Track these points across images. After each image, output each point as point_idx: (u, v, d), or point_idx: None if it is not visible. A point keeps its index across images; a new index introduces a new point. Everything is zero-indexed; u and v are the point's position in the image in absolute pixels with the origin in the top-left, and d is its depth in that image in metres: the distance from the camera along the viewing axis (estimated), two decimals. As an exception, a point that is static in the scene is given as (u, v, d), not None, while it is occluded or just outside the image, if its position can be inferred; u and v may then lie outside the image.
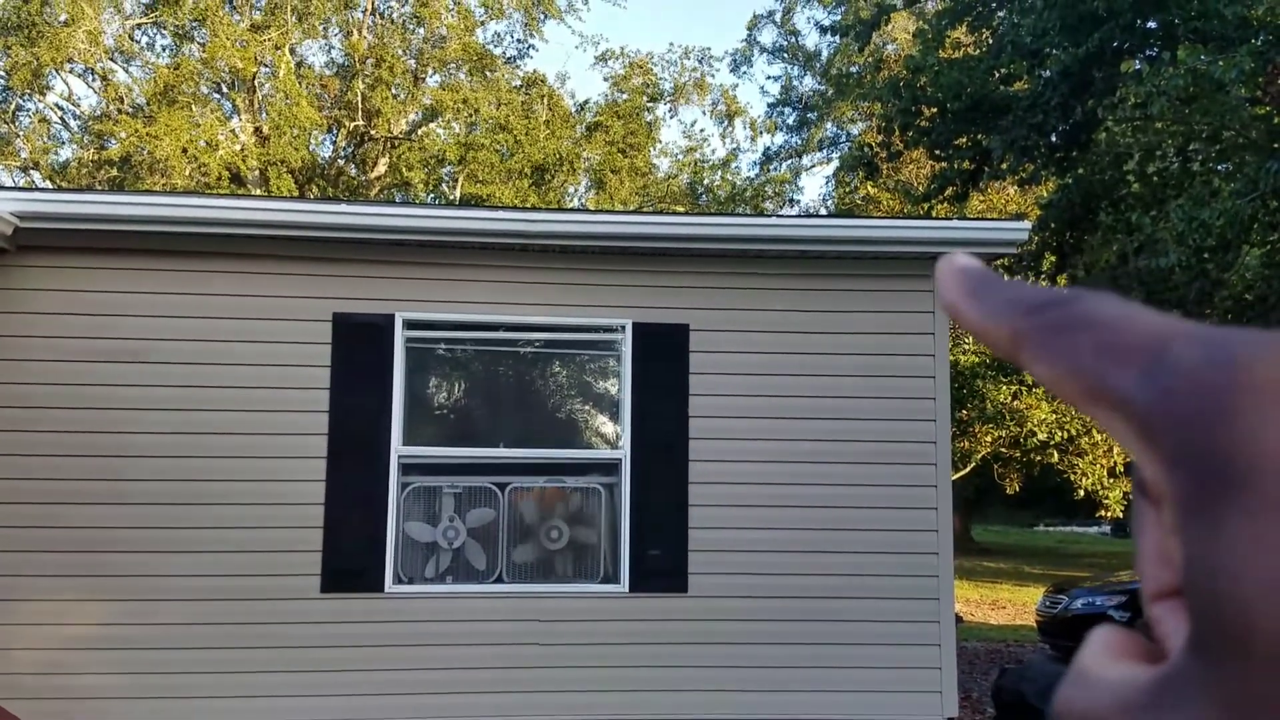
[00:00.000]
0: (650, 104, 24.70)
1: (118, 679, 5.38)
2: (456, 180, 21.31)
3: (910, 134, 12.70)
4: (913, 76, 12.48)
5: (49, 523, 5.37)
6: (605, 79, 25.93)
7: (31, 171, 21.41)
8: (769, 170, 26.25)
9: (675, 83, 25.41)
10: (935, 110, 12.31)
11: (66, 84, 21.56)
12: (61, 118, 21.85)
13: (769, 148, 29.81)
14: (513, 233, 5.76)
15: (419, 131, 22.18)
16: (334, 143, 22.37)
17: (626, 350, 5.90)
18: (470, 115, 21.33)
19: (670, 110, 25.90)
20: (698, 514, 5.77)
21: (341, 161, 22.52)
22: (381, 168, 21.91)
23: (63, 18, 19.55)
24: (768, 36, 28.23)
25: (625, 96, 24.21)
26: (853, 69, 23.40)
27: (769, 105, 27.48)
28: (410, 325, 5.82)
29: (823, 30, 22.97)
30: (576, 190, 23.92)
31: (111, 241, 5.57)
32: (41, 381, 5.47)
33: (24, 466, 5.40)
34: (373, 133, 21.66)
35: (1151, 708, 0.20)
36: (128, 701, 5.36)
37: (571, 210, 17.67)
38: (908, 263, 6.08)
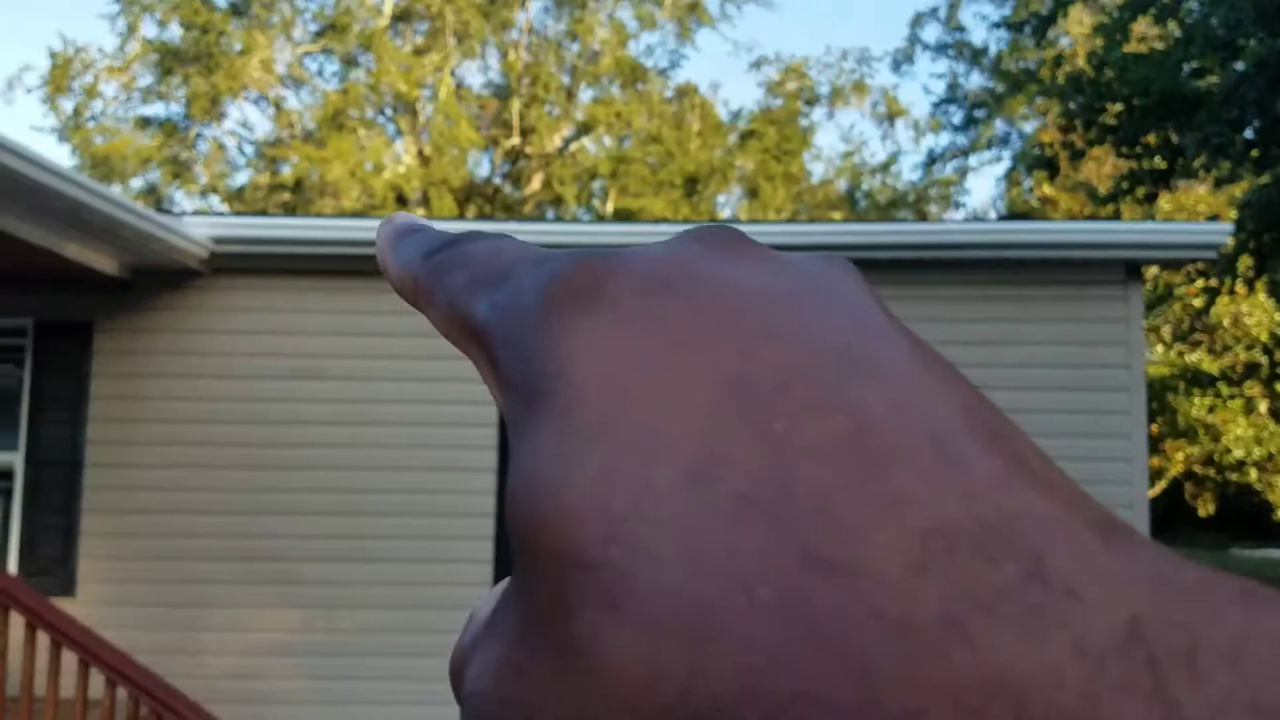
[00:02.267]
0: (806, 108, 24.32)
1: (305, 684, 5.56)
2: (608, 194, 21.51)
3: (1093, 131, 12.04)
4: (1096, 72, 11.83)
5: (239, 532, 5.60)
6: (759, 84, 25.71)
7: (210, 196, 22.78)
8: (933, 172, 25.34)
9: (833, 85, 24.91)
10: (1121, 107, 11.63)
11: (242, 111, 22.87)
12: (237, 144, 23.16)
13: (933, 149, 28.82)
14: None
15: (571, 146, 22.51)
16: (491, 161, 22.95)
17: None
18: (623, 128, 21.52)
19: (828, 114, 25.43)
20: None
21: (498, 179, 23.08)
22: (536, 184, 22.33)
23: (237, 47, 20.72)
24: (931, 34, 27.43)
25: (780, 102, 23.93)
26: (1025, 64, 22.39)
27: (933, 104, 26.50)
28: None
29: (993, 25, 22.13)
30: (729, 199, 23.79)
31: (291, 263, 5.78)
32: (231, 398, 5.72)
33: (217, 479, 5.65)
34: (527, 150, 22.10)
35: (489, 635, 0.19)
36: (315, 707, 5.53)
37: (725, 223, 17.56)
38: (1097, 268, 5.72)
